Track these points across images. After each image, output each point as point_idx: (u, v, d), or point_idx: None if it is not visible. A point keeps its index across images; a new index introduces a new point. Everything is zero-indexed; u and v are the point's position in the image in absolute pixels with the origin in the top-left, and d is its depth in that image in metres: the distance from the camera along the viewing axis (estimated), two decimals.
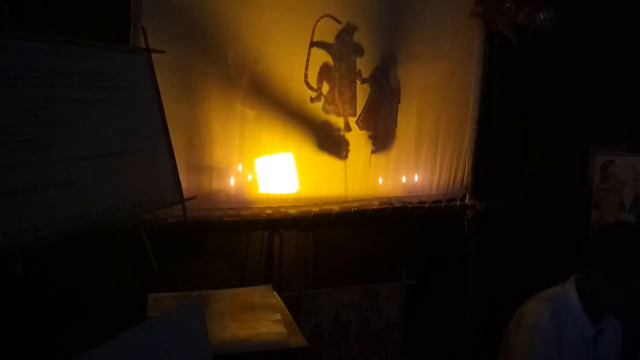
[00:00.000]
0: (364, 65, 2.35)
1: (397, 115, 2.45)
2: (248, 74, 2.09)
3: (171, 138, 1.74)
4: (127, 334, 0.90)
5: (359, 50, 2.32)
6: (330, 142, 2.31)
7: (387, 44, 2.38)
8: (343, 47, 2.27)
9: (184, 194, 1.77)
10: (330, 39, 2.25)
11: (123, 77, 1.61)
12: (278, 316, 1.41)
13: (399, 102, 2.44)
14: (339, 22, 2.25)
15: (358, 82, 2.34)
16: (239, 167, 2.12)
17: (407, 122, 2.47)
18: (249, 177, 2.14)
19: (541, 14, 2.36)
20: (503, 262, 2.72)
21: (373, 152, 2.40)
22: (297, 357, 1.29)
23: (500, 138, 2.71)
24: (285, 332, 1.33)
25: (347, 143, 2.34)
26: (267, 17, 2.09)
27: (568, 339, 1.70)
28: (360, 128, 2.36)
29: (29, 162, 1.32)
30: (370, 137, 2.39)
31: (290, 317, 1.46)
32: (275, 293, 1.58)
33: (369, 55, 2.35)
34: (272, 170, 2.19)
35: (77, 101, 1.47)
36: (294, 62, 2.19)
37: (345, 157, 2.34)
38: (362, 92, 2.36)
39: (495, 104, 2.64)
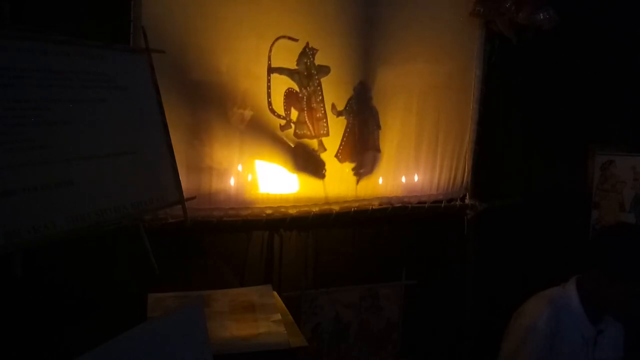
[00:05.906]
0: (337, 97, 2.27)
1: (379, 142, 2.39)
2: (243, 77, 2.07)
3: (171, 138, 1.75)
4: (127, 334, 0.90)
5: (323, 71, 2.22)
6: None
7: (360, 72, 2.31)
8: (305, 71, 2.18)
9: (184, 194, 1.77)
10: (290, 63, 2.16)
11: (123, 77, 1.61)
12: (278, 316, 1.41)
13: (379, 127, 2.39)
14: (295, 40, 2.14)
15: (333, 115, 2.26)
16: (239, 167, 2.12)
17: (407, 123, 2.46)
18: (249, 177, 2.14)
19: (541, 14, 2.36)
20: (503, 262, 2.72)
21: (357, 182, 2.36)
22: (297, 357, 1.29)
23: (500, 138, 2.71)
24: (285, 332, 1.33)
25: (323, 163, 2.28)
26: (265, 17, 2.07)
27: (567, 340, 1.70)
28: (341, 161, 2.31)
29: (29, 162, 1.32)
30: (353, 169, 2.34)
31: (290, 317, 1.47)
32: (275, 293, 1.58)
33: (342, 86, 2.28)
34: (272, 171, 2.19)
35: (77, 101, 1.46)
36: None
37: (323, 176, 2.28)
38: (339, 125, 2.29)
39: (495, 104, 2.64)
